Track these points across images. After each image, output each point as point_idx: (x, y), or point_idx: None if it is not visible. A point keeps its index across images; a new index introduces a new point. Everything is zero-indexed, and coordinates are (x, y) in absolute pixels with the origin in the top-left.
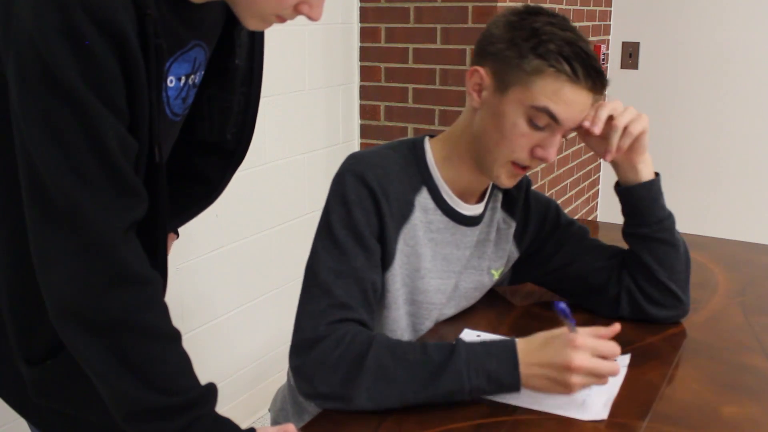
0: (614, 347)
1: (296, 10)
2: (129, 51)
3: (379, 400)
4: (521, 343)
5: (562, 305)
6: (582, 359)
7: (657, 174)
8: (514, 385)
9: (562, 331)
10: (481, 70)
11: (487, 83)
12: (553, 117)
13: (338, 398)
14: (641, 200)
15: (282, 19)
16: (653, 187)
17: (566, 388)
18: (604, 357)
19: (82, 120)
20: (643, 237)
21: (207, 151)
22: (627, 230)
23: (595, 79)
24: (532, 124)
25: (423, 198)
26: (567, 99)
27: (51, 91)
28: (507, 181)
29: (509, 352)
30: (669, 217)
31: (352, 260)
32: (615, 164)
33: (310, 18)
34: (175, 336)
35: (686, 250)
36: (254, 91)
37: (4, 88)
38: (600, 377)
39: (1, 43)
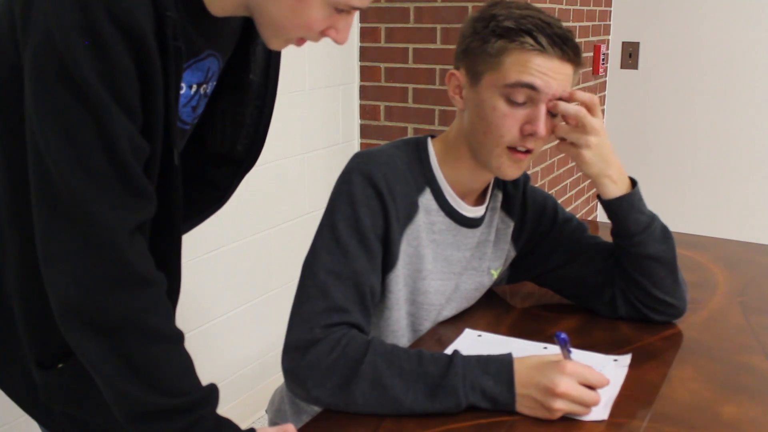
0: (603, 378)
1: (322, 34)
2: (146, 53)
3: (374, 407)
4: (517, 363)
5: (563, 336)
6: (568, 385)
7: (635, 185)
8: (509, 405)
9: (557, 356)
10: (456, 72)
11: (463, 81)
12: (528, 86)
13: (333, 402)
14: (612, 215)
15: (303, 41)
16: (622, 203)
17: (548, 412)
18: (591, 387)
19: (94, 118)
20: (621, 248)
21: (216, 161)
22: (612, 237)
23: (561, 46)
24: (511, 101)
25: (426, 199)
26: (538, 68)
27: (66, 87)
28: (510, 170)
29: (506, 372)
30: (643, 231)
31: (353, 262)
32: None
33: (337, 42)
34: (178, 337)
35: (670, 260)
36: (268, 105)
37: (21, 78)
38: (583, 406)
39: (19, 35)
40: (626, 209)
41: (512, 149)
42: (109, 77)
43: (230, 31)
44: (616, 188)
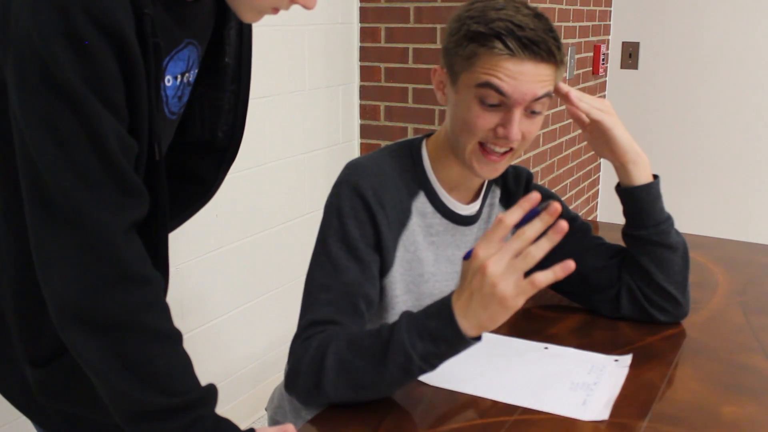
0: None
1: (292, 1)
2: (128, 52)
3: (344, 392)
4: (455, 295)
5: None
6: (491, 259)
7: (656, 177)
8: (459, 338)
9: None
10: (439, 69)
11: (444, 78)
12: (497, 90)
13: (314, 401)
14: (638, 202)
15: (277, 11)
16: (651, 190)
17: (500, 302)
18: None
19: (82, 120)
20: (641, 239)
21: (199, 150)
22: (626, 231)
23: (532, 48)
24: (483, 103)
25: (420, 203)
26: (506, 72)
27: (52, 92)
28: (481, 169)
29: (445, 308)
30: (667, 221)
31: (343, 275)
32: (614, 166)
33: (306, 7)
34: (176, 337)
35: (685, 252)
36: (243, 88)
37: (3, 91)
38: (525, 263)
39: None
40: (654, 196)
41: (483, 148)
42: (93, 79)
43: (205, 17)
44: (646, 175)
